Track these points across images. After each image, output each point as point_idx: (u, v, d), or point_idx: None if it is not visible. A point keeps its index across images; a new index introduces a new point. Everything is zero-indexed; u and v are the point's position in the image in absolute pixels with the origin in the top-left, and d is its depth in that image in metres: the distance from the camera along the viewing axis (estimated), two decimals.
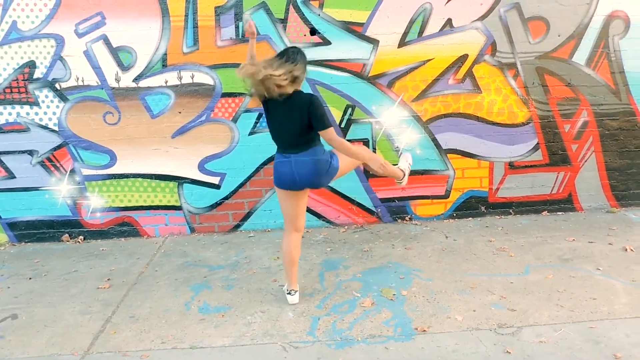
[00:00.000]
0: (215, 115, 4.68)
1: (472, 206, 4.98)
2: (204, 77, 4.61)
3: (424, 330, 3.09)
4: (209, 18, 4.52)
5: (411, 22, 4.59)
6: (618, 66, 4.76)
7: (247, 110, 4.67)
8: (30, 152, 4.72)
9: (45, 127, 4.67)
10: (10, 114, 4.64)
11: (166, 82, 4.61)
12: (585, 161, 4.94)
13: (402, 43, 4.62)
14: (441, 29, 4.62)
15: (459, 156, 4.87)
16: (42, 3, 4.45)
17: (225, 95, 4.65)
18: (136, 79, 4.60)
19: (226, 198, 4.86)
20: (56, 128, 4.68)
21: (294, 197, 3.38)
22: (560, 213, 4.99)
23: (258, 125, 4.69)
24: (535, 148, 4.89)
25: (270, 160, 4.72)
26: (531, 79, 4.75)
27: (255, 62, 3.23)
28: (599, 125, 4.87)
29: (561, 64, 4.74)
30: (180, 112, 4.67)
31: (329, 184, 4.33)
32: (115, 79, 4.59)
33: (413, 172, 4.86)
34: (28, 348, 3.14)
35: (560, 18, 4.64)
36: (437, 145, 4.83)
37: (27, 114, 4.65)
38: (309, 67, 4.55)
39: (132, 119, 4.67)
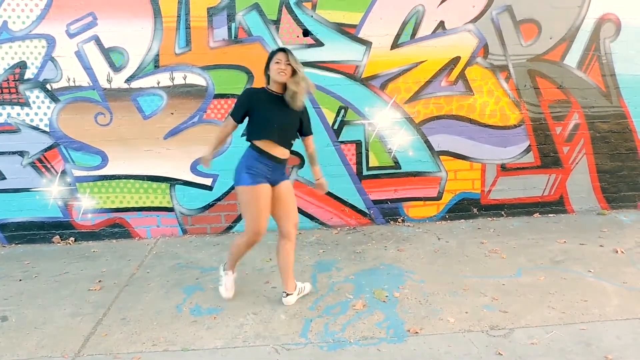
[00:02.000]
0: (207, 117, 4.67)
1: (464, 208, 5.00)
2: (196, 78, 4.60)
3: (416, 332, 3.09)
4: (201, 19, 4.50)
5: (404, 24, 4.60)
6: (609, 69, 4.80)
7: None
8: (21, 153, 4.68)
9: (36, 128, 4.64)
10: (0, 114, 4.60)
11: (158, 83, 4.59)
12: (577, 163, 4.97)
13: (395, 45, 4.63)
14: (434, 31, 4.64)
15: (451, 158, 4.89)
16: (33, 3, 4.42)
17: (218, 96, 4.63)
18: (128, 80, 4.57)
19: (218, 199, 4.85)
20: (47, 129, 4.64)
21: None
22: (551, 215, 5.02)
23: None
24: (527, 150, 4.92)
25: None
26: (523, 82, 4.78)
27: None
28: (590, 128, 4.91)
29: (553, 67, 4.77)
30: (172, 113, 4.65)
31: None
32: (107, 80, 4.57)
33: (406, 174, 4.89)
34: (18, 350, 3.11)
35: (552, 21, 4.67)
36: (430, 147, 4.84)
37: (18, 114, 4.61)
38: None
39: (123, 120, 4.64)
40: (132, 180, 4.78)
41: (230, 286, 3.59)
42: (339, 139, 4.77)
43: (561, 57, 4.76)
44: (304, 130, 3.40)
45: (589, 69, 4.79)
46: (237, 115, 3.32)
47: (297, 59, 3.25)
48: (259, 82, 4.58)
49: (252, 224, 3.29)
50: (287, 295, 3.48)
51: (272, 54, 3.26)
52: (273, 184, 3.33)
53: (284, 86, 3.24)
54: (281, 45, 4.55)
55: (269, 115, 3.25)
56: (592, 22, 4.71)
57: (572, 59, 4.77)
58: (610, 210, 5.05)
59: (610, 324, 3.10)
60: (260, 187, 3.25)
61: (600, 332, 3.01)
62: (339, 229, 4.89)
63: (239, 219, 4.89)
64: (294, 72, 3.20)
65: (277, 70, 3.19)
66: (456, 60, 4.69)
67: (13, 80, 4.55)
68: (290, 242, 3.44)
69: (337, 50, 4.60)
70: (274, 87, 3.28)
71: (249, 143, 3.33)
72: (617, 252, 4.10)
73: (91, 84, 4.57)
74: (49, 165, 4.72)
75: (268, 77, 3.30)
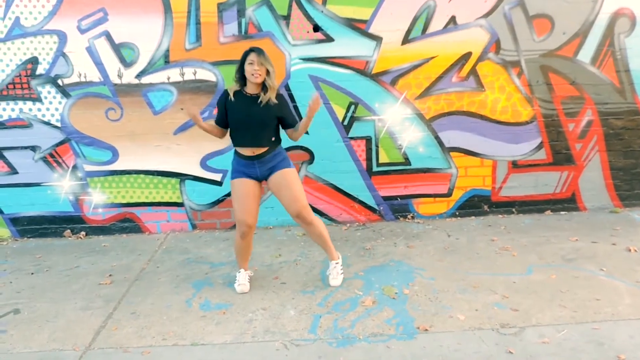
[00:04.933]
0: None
1: (475, 205, 4.96)
2: (206, 74, 4.60)
3: (426, 330, 3.08)
4: (211, 14, 4.50)
5: (415, 19, 4.57)
6: (623, 64, 4.73)
7: None
8: (33, 148, 4.72)
9: (47, 123, 4.67)
10: (13, 109, 4.64)
11: (168, 78, 4.60)
12: (589, 160, 4.91)
13: (406, 40, 4.59)
14: (445, 27, 4.60)
15: (462, 154, 4.85)
16: None
17: None
18: (138, 75, 4.59)
19: (228, 195, 4.85)
20: (59, 124, 4.67)
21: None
22: (563, 212, 4.97)
23: None
24: (539, 147, 4.86)
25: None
26: (535, 77, 4.72)
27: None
28: (604, 124, 4.84)
29: (566, 62, 4.70)
30: (182, 109, 4.66)
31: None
32: (118, 75, 4.59)
33: (416, 170, 4.87)
34: (30, 343, 3.15)
35: (565, 16, 4.61)
36: (440, 143, 4.81)
37: (30, 110, 4.64)
38: (313, 64, 4.58)
39: (134, 115, 4.66)
40: (142, 175, 4.80)
41: (243, 281, 3.66)
42: (349, 135, 4.75)
43: (574, 53, 4.69)
44: (287, 124, 3.50)
45: (603, 64, 4.72)
46: (219, 120, 3.53)
47: (268, 57, 3.36)
48: None
49: (235, 217, 3.53)
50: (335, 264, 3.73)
51: (245, 55, 3.36)
52: (260, 178, 3.52)
53: (261, 85, 3.39)
54: (292, 41, 4.54)
55: (240, 117, 3.40)
56: (606, 17, 4.63)
57: (585, 55, 4.70)
58: (623, 208, 4.98)
59: (623, 323, 3.06)
60: (237, 181, 3.50)
61: (613, 332, 2.98)
62: (348, 225, 4.88)
63: None
64: (267, 72, 3.35)
65: (251, 72, 3.31)
66: (467, 55, 4.65)
67: (25, 76, 4.58)
68: (307, 225, 3.59)
69: (347, 45, 4.57)
70: (249, 88, 3.41)
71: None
72: (630, 250, 4.05)
73: (102, 80, 4.59)
74: (60, 160, 4.75)
75: (241, 77, 3.39)
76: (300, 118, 4.61)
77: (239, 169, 3.49)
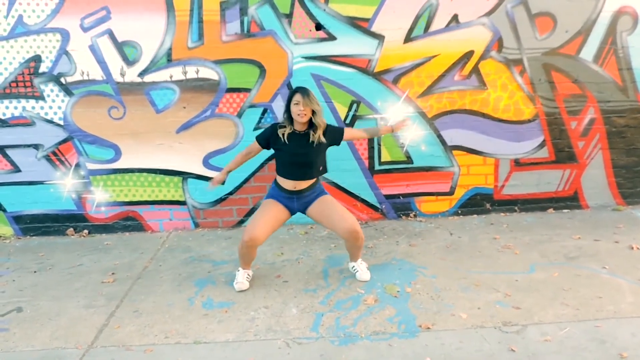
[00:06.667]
0: (219, 111, 4.67)
1: (477, 203, 4.96)
2: (208, 72, 4.60)
3: (428, 328, 3.08)
4: (214, 13, 4.50)
5: (417, 18, 4.56)
6: (626, 62, 4.71)
7: (251, 106, 4.66)
8: (36, 146, 4.73)
9: (50, 121, 4.68)
10: (16, 108, 4.65)
11: (171, 77, 4.60)
12: (592, 158, 4.90)
13: (408, 39, 4.59)
14: (447, 25, 4.59)
15: (465, 153, 4.85)
16: None
17: (230, 90, 4.63)
18: (141, 74, 4.59)
19: (230, 193, 4.86)
20: (61, 122, 4.68)
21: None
22: (566, 211, 4.97)
23: (263, 120, 4.68)
24: (541, 145, 4.86)
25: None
26: (538, 76, 4.71)
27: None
28: (606, 123, 4.83)
29: (568, 60, 4.69)
30: (184, 107, 4.67)
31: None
32: (120, 74, 4.59)
33: (418, 169, 4.87)
34: (33, 341, 3.16)
35: (568, 14, 4.60)
36: (443, 141, 4.81)
37: (33, 108, 4.65)
38: (315, 63, 4.58)
39: (137, 113, 4.66)
40: (145, 174, 4.81)
41: (241, 279, 3.68)
42: None
43: (577, 51, 4.68)
44: (337, 142, 3.65)
45: (605, 62, 4.71)
46: (262, 142, 3.64)
47: (314, 97, 3.44)
48: (271, 77, 4.58)
49: (247, 226, 3.57)
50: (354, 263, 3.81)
51: (291, 94, 3.46)
52: (295, 211, 3.62)
53: (308, 122, 3.49)
54: (294, 40, 4.54)
55: (291, 156, 3.51)
56: (608, 15, 4.62)
57: (588, 53, 4.69)
58: (626, 206, 4.97)
59: (626, 321, 3.07)
60: (269, 201, 3.61)
61: (615, 330, 2.98)
62: None
63: (250, 212, 4.90)
64: (313, 112, 3.44)
65: (296, 112, 3.41)
66: (470, 54, 4.64)
67: (28, 74, 4.58)
68: (357, 239, 3.60)
69: (349, 44, 4.57)
70: (297, 126, 3.50)
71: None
72: (632, 248, 4.05)
73: (105, 78, 4.59)
74: (63, 159, 4.76)
75: (289, 114, 3.48)
76: None
77: (277, 197, 3.60)
